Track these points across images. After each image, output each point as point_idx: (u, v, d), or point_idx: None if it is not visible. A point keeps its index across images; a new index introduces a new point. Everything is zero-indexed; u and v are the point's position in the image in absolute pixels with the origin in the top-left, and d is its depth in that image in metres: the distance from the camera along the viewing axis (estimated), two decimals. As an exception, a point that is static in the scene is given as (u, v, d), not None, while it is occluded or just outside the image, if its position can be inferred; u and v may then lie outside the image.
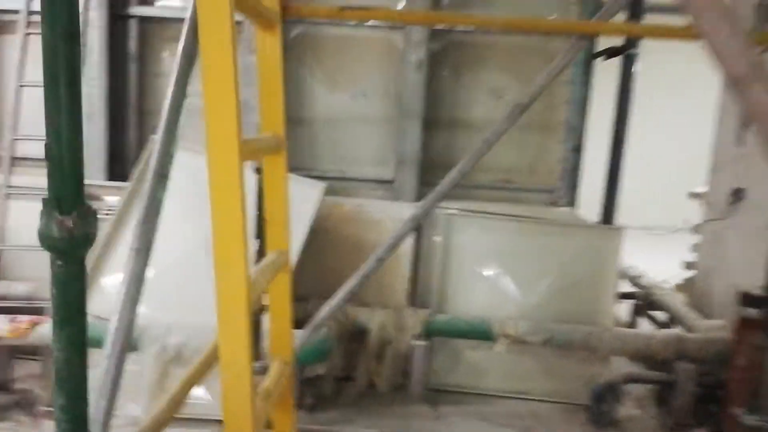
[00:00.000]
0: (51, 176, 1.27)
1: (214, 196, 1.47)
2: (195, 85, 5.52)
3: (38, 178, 4.99)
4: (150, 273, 4.26)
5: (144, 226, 1.89)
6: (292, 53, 5.40)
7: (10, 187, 4.55)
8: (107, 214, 4.68)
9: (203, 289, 4.14)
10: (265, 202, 2.08)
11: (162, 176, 1.96)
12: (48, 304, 4.21)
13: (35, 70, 4.54)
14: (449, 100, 5.61)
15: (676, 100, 11.87)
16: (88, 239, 1.30)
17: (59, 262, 1.28)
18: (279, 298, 2.00)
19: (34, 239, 4.63)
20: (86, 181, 4.65)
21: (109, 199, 4.94)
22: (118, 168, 5.38)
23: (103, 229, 4.41)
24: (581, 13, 5.55)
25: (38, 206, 4.54)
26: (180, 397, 2.07)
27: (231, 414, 1.45)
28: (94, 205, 4.42)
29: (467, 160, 3.99)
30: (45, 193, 4.23)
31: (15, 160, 4.67)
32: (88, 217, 1.31)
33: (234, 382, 1.44)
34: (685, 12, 1.35)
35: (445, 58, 5.54)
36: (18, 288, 4.47)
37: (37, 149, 5.27)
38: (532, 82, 5.01)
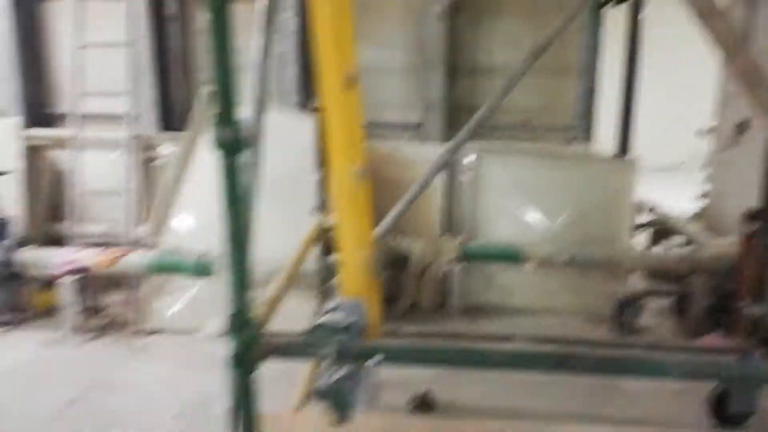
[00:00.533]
0: (219, 103, 1.73)
1: (331, 114, 1.93)
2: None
3: (99, 132, 5.43)
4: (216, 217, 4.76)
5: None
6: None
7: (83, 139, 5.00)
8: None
9: (259, 227, 4.64)
10: (345, 128, 2.51)
11: (262, 102, 2.40)
12: (122, 241, 4.71)
13: (88, 33, 4.94)
14: (469, 48, 5.99)
15: (684, 41, 12.06)
16: (243, 142, 1.76)
17: (227, 158, 1.75)
18: (363, 199, 2.45)
19: (101, 185, 5.17)
20: (142, 132, 5.19)
21: (162, 147, 5.39)
22: (166, 120, 5.83)
23: (166, 175, 4.88)
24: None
25: (104, 156, 5.06)
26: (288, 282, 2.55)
27: (349, 273, 1.92)
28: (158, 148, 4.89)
29: (495, 98, 4.39)
30: (110, 144, 4.80)
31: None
32: (240, 129, 1.77)
33: (352, 251, 1.91)
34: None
35: (464, 8, 5.89)
36: (94, 228, 4.99)
37: (99, 105, 5.73)
38: (545, 29, 5.42)
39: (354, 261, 1.99)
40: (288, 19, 5.52)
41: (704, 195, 6.64)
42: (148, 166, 5.30)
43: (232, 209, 1.78)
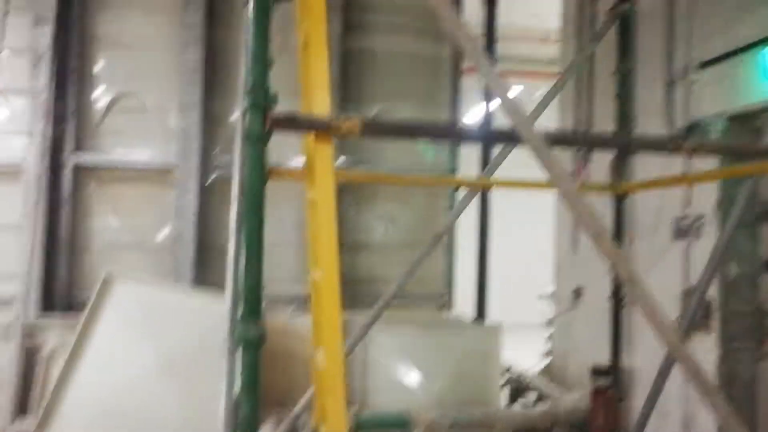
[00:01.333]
0: (246, 298, 2.08)
1: (327, 276, 2.27)
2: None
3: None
4: (108, 400, 4.63)
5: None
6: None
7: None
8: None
9: (159, 411, 4.58)
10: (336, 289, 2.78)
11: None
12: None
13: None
14: (351, 227, 6.67)
15: (528, 213, 13.87)
16: (265, 334, 2.10)
17: (250, 351, 2.07)
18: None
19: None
20: (23, 314, 5.03)
21: (47, 331, 5.21)
22: (49, 302, 5.63)
23: (58, 366, 4.71)
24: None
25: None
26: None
27: (329, 371, 2.15)
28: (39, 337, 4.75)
29: (400, 282, 5.00)
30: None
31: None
32: (263, 322, 2.11)
33: (331, 351, 2.16)
34: (543, 167, 2.46)
35: (347, 191, 6.63)
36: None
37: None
38: (413, 210, 6.34)
39: (336, 352, 2.25)
40: (189, 199, 5.87)
41: (549, 353, 7.61)
42: (30, 353, 5.05)
43: (250, 397, 2.08)
